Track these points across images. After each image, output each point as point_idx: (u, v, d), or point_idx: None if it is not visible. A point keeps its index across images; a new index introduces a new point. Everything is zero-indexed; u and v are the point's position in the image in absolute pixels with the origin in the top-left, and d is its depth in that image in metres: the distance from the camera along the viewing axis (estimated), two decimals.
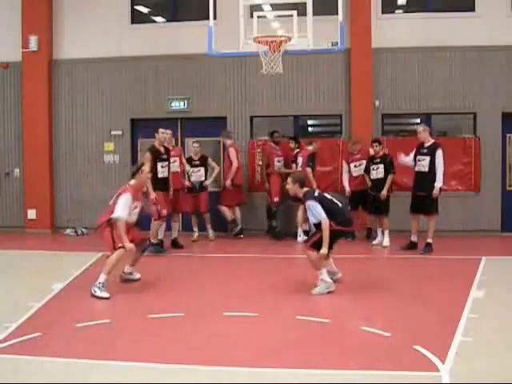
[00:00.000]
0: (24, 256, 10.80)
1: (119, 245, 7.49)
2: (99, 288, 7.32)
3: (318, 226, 7.42)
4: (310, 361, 5.19)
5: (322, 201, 7.47)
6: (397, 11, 13.09)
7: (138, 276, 8.27)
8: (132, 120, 13.36)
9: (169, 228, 11.12)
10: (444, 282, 8.32)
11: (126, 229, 7.57)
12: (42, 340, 5.77)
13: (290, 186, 7.65)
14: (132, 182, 7.97)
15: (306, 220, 9.69)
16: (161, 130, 10.44)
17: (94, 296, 7.30)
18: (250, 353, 5.43)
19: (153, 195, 9.95)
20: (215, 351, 5.47)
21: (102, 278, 7.40)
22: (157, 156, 10.28)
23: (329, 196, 7.76)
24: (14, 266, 9.75)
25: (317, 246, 7.37)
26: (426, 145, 10.29)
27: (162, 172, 10.30)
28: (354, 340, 5.79)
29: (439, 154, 10.13)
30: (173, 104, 13.11)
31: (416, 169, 10.37)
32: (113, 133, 13.34)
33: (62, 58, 13.47)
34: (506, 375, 4.79)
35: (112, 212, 7.58)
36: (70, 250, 11.39)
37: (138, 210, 7.94)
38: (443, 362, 5.00)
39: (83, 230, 13.12)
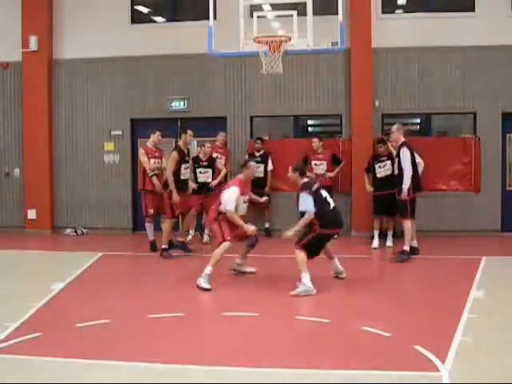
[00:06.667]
0: (24, 256, 10.81)
1: (228, 238, 8.01)
2: (204, 280, 7.77)
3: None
4: (310, 361, 5.19)
5: (315, 197, 7.62)
6: (397, 11, 13.08)
7: (252, 269, 8.77)
8: (132, 120, 13.36)
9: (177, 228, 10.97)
10: (444, 281, 8.33)
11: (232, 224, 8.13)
12: (42, 340, 5.77)
13: (291, 173, 7.87)
14: (240, 175, 8.48)
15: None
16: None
17: (198, 287, 7.75)
18: (250, 353, 5.44)
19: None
20: (215, 351, 5.47)
21: (209, 270, 7.84)
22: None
23: (324, 194, 7.83)
24: (13, 266, 9.77)
25: (307, 247, 7.60)
26: (398, 146, 9.84)
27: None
28: (354, 340, 5.79)
29: (402, 151, 9.57)
30: (173, 104, 13.10)
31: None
32: (113, 133, 13.33)
33: (62, 58, 13.46)
34: (506, 375, 4.79)
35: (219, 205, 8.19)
36: (70, 250, 11.41)
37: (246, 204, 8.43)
38: (443, 362, 5.00)
39: (83, 229, 13.16)
